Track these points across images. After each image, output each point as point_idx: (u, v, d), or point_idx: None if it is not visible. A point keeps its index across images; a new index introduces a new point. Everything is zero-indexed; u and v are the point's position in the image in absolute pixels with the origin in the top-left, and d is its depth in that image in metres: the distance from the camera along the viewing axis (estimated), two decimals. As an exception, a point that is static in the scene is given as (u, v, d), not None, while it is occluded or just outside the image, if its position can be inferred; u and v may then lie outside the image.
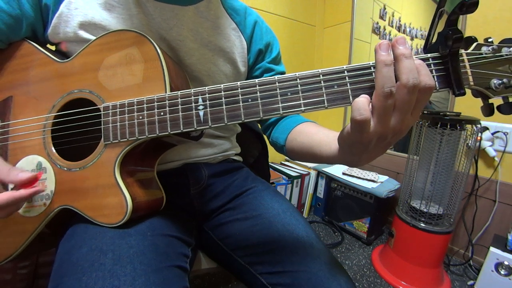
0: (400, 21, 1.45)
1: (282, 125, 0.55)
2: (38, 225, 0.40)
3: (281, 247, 0.45)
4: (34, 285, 0.68)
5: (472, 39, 0.31)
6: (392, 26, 1.48)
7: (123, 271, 0.32)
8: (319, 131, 0.46)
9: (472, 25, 1.11)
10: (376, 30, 1.54)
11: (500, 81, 0.30)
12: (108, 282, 0.31)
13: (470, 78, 0.30)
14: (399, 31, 1.46)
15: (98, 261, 0.33)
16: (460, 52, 0.30)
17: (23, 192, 0.36)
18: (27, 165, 0.41)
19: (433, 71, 0.30)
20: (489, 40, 0.31)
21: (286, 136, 0.52)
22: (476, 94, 0.33)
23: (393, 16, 1.47)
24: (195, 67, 0.50)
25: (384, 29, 1.50)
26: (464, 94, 0.29)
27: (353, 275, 1.13)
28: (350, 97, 0.30)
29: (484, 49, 0.30)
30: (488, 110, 0.32)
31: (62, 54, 0.45)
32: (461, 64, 0.30)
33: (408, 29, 1.42)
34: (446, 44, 0.29)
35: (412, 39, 1.41)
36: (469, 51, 0.31)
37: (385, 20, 1.50)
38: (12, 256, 0.41)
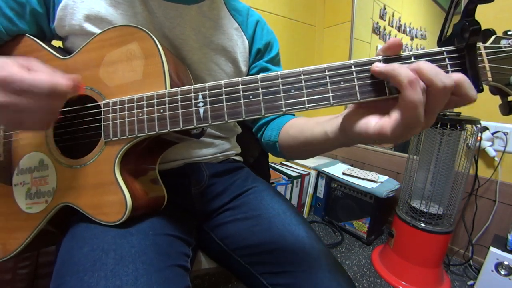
0: (400, 21, 1.45)
1: (274, 123, 0.55)
2: (40, 221, 0.40)
3: (281, 247, 0.45)
4: (34, 285, 0.68)
5: (490, 32, 0.29)
6: (392, 26, 1.48)
7: (125, 271, 0.32)
8: (310, 119, 0.45)
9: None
10: (376, 30, 1.54)
11: None
12: (111, 281, 0.31)
13: (489, 73, 0.28)
14: (399, 31, 1.46)
15: (100, 260, 0.33)
16: (477, 45, 0.27)
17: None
18: (30, 162, 0.41)
19: (448, 66, 0.28)
20: (509, 33, 0.28)
21: (278, 131, 0.52)
22: (494, 91, 0.30)
23: (393, 16, 1.48)
24: (197, 66, 0.50)
25: (384, 29, 1.51)
26: (482, 91, 0.27)
27: (353, 275, 1.13)
28: (358, 94, 0.29)
29: (503, 42, 0.28)
30: (508, 109, 0.29)
31: (67, 51, 0.45)
32: (478, 58, 0.28)
33: (408, 29, 1.42)
34: (462, 37, 0.27)
35: (412, 39, 1.41)
36: (487, 44, 0.28)
37: (385, 20, 1.50)
38: (15, 252, 0.41)
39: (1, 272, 0.65)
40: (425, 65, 0.26)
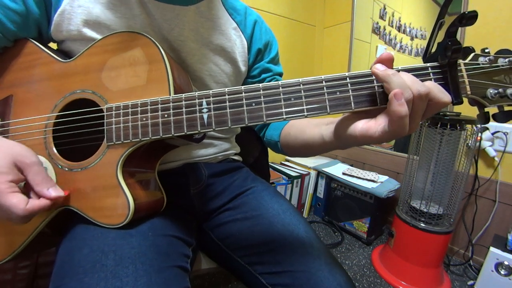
0: (400, 21, 1.45)
1: (276, 123, 0.56)
2: (38, 224, 0.40)
3: (281, 247, 0.45)
4: (34, 285, 0.68)
5: (469, 50, 0.32)
6: (392, 26, 1.48)
7: (125, 272, 0.32)
8: (310, 120, 0.47)
9: (472, 25, 1.11)
10: (376, 30, 1.54)
11: (496, 91, 0.31)
12: (110, 283, 0.31)
13: (468, 87, 0.32)
14: (399, 31, 1.46)
15: (100, 262, 0.33)
16: (458, 62, 0.31)
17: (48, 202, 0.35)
18: None
19: (432, 80, 0.31)
20: (486, 50, 0.32)
21: (280, 132, 0.54)
22: (472, 102, 0.34)
23: (393, 16, 1.47)
24: (197, 67, 0.50)
25: (384, 29, 1.51)
26: (461, 103, 0.31)
27: (353, 275, 1.13)
28: (352, 104, 0.32)
29: (481, 59, 0.32)
30: (484, 119, 0.33)
31: (65, 54, 0.45)
32: (459, 73, 0.31)
33: (408, 29, 1.42)
34: (445, 54, 0.30)
35: (412, 39, 1.41)
36: (466, 61, 0.32)
37: (385, 20, 1.50)
38: (12, 255, 0.41)
39: (1, 272, 0.65)
40: (404, 76, 0.29)
